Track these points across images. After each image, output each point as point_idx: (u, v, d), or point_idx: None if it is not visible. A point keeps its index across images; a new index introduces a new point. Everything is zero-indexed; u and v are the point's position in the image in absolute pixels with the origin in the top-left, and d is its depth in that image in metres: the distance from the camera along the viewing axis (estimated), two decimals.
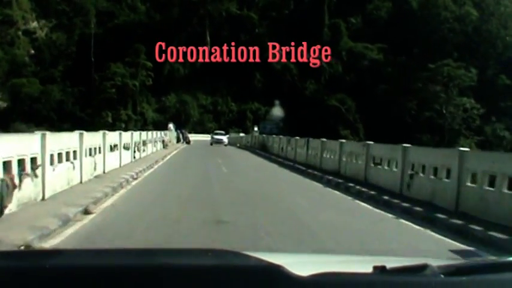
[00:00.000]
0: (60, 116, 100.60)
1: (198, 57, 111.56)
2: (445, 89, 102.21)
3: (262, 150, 51.34)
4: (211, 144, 64.39)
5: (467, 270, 1.77)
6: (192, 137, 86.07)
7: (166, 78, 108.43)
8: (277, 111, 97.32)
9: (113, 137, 24.99)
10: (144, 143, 35.05)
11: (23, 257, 2.08)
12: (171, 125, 63.42)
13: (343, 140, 30.82)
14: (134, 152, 30.13)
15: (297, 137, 39.24)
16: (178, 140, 64.96)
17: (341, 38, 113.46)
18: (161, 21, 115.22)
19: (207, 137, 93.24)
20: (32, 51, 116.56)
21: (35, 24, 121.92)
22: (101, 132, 22.90)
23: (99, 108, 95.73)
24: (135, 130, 42.83)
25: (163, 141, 46.65)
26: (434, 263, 1.80)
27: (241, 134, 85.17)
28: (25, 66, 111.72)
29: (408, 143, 20.10)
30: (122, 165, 25.64)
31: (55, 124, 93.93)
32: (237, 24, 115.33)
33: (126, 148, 27.75)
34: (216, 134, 72.47)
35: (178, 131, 68.68)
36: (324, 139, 31.48)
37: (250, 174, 28.72)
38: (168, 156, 38.89)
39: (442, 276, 1.66)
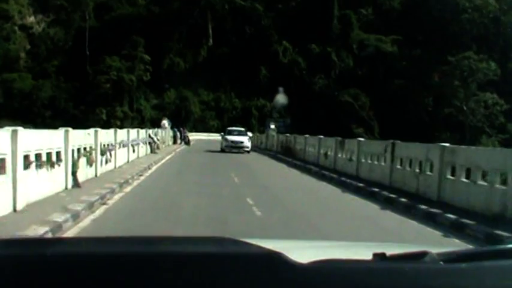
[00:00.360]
0: (52, 113, 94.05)
1: (199, 51, 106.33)
2: (462, 83, 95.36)
3: (286, 155, 39.39)
4: (223, 150, 45.26)
5: (467, 257, 1.77)
6: (193, 136, 79.70)
7: (165, 73, 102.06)
8: (281, 99, 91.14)
9: (35, 139, 14.09)
10: (109, 149, 22.13)
11: (24, 244, 1.93)
12: (165, 122, 51.11)
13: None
14: (73, 170, 16.19)
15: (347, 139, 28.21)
16: (175, 141, 55.47)
17: (352, 30, 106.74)
18: (161, 13, 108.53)
19: (210, 137, 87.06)
20: (28, 47, 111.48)
21: (32, 19, 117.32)
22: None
23: (93, 105, 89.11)
24: (131, 128, 34.40)
25: (150, 144, 34.42)
26: (434, 250, 1.79)
27: (249, 133, 77.72)
28: (18, 61, 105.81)
29: (428, 142, 19.10)
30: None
31: (47, 121, 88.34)
32: (241, 16, 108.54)
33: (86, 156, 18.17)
34: (233, 132, 49.38)
35: (176, 130, 57.99)
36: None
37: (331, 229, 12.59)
38: (150, 171, 25.14)
39: (442, 263, 1.67)
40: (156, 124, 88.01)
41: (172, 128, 56.79)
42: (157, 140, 37.22)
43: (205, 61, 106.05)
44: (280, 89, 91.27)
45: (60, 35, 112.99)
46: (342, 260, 1.67)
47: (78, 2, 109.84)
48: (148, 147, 34.13)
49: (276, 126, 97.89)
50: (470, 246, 9.03)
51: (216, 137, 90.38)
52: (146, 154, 32.68)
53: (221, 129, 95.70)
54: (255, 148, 49.99)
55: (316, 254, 1.87)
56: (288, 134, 46.56)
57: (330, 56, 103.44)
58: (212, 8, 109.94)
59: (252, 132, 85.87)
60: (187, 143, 56.40)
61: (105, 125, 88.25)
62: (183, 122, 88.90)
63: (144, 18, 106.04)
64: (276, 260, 1.50)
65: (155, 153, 34.27)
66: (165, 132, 47.75)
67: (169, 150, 40.78)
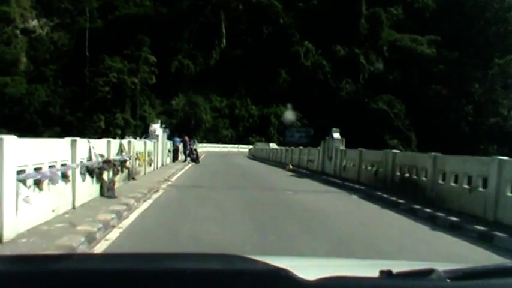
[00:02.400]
0: (46, 120, 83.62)
1: (211, 53, 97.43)
2: (506, 90, 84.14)
3: (398, 194, 17.61)
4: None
5: (473, 274, 1.77)
6: (203, 148, 69.27)
7: (173, 77, 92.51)
8: (289, 115, 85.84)
9: None
10: None
11: (32, 261, 1.96)
12: (156, 126, 29.65)
13: None
14: None
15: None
16: (175, 157, 36.71)
17: (382, 30, 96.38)
18: (169, 13, 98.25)
19: (223, 148, 79.06)
20: (30, 51, 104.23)
21: (34, 22, 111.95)
22: None
23: (91, 111, 78.40)
24: (134, 137, 24.24)
25: (100, 177, 13.35)
26: (440, 267, 1.79)
27: (272, 145, 66.78)
28: (16, 65, 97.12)
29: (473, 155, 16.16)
30: None
31: (39, 130, 78.25)
32: (258, 15, 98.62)
33: None
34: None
35: (177, 140, 38.46)
36: None
37: None
38: None
39: (449, 280, 1.68)
40: (174, 135, 78.27)
41: (171, 137, 37.32)
42: (128, 159, 17.10)
43: (217, 64, 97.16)
44: (289, 105, 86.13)
45: (64, 40, 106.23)
46: (348, 277, 1.67)
47: (82, 3, 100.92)
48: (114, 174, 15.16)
49: (297, 136, 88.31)
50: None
51: (231, 148, 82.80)
52: (90, 199, 12.77)
53: (236, 140, 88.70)
54: (302, 171, 33.03)
55: (322, 271, 1.85)
56: (388, 150, 21.68)
57: (357, 58, 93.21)
58: (226, 6, 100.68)
59: (269, 141, 76.20)
60: (195, 159, 38.22)
61: (104, 134, 78.48)
62: (192, 132, 78.31)
63: (151, 18, 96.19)
64: (283, 277, 1.51)
65: (110, 196, 13.45)
66: (155, 144, 26.77)
67: (155, 181, 19.33)
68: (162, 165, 30.18)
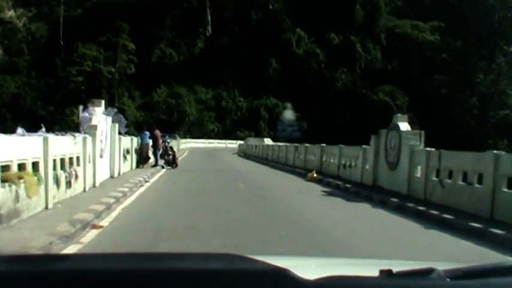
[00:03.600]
0: (16, 114, 76.17)
1: (195, 41, 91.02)
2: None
3: None
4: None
5: (473, 274, 1.77)
6: (186, 144, 62.75)
7: (155, 67, 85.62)
8: (289, 115, 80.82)
9: None
10: None
11: (31, 261, 1.98)
12: (93, 113, 16.81)
13: None
14: None
15: None
16: (140, 162, 27.32)
17: (379, 16, 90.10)
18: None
19: (209, 144, 73.45)
20: (4, 41, 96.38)
21: (11, 13, 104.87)
22: None
23: (63, 104, 70.91)
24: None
25: None
26: (440, 266, 1.79)
27: (267, 141, 59.94)
28: None
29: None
30: None
31: (7, 123, 70.96)
32: (245, 0, 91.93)
33: None
34: None
35: (145, 136, 28.05)
36: None
37: None
38: None
39: (449, 280, 1.68)
40: (141, 127, 71.24)
41: (140, 135, 28.42)
42: None
43: (202, 53, 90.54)
44: (288, 104, 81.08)
45: (42, 31, 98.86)
46: (348, 277, 1.69)
47: None
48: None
49: (289, 131, 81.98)
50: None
51: (218, 144, 75.96)
52: None
53: (222, 134, 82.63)
54: (335, 182, 21.51)
55: (322, 270, 1.86)
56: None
57: (353, 46, 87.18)
58: None
59: (260, 136, 69.50)
60: (172, 162, 29.19)
61: (78, 130, 71.55)
62: (173, 126, 71.61)
63: (131, 4, 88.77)
64: (283, 276, 1.51)
65: None
66: (84, 142, 14.94)
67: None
68: (116, 175, 19.78)
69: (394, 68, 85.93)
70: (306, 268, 2.26)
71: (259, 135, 74.64)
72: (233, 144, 73.69)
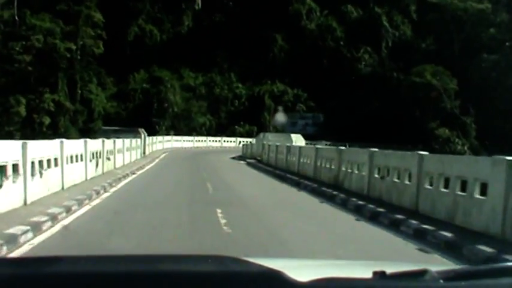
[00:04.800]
0: None
1: (182, 18, 76.41)
2: None
3: None
4: None
5: (466, 275, 1.80)
6: (164, 144, 50.95)
7: (132, 47, 69.70)
8: (280, 117, 68.03)
9: None
10: None
11: (24, 264, 2.05)
12: None
13: None
14: None
15: None
16: None
17: None
18: None
19: (198, 142, 60.95)
20: None
21: None
22: None
23: (5, 92, 54.03)
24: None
25: None
26: (433, 268, 1.80)
27: (296, 139, 40.84)
28: None
29: None
30: None
31: None
32: None
33: None
34: None
35: None
36: None
37: None
38: None
39: (442, 281, 1.69)
40: (113, 122, 54.82)
41: None
42: None
43: (191, 32, 75.16)
44: (280, 107, 69.71)
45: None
46: (341, 279, 1.69)
47: None
48: None
49: (301, 125, 66.12)
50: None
51: (211, 142, 62.55)
52: None
53: (216, 130, 67.85)
54: None
55: (316, 272, 1.84)
56: None
57: (378, 20, 72.38)
58: None
59: (263, 131, 54.17)
60: None
61: (26, 125, 54.99)
62: (153, 118, 55.79)
63: None
64: (276, 278, 1.52)
65: None
66: None
67: None
68: None
69: (429, 46, 70.19)
70: (299, 270, 2.23)
71: (263, 129, 59.49)
72: (231, 142, 62.90)
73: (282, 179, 22.89)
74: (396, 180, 14.05)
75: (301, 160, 23.97)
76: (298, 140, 38.66)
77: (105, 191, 16.00)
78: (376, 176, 15.34)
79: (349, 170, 17.59)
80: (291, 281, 1.50)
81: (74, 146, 17.17)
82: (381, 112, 60.17)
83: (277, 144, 30.51)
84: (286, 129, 62.60)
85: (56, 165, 14.34)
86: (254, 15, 71.07)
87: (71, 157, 16.09)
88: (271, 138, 37.76)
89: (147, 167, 27.69)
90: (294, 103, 70.61)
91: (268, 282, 1.52)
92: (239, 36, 70.21)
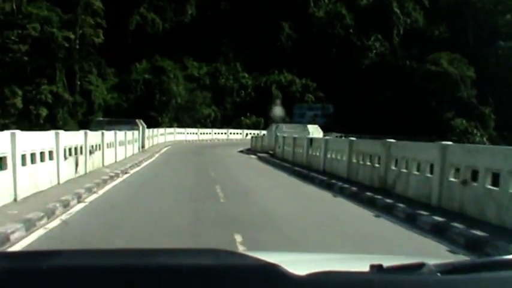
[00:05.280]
0: None
1: (185, 7, 73.67)
2: None
3: None
4: None
5: (464, 268, 1.78)
6: (166, 136, 48.82)
7: (133, 37, 67.13)
8: (278, 111, 65.33)
9: None
10: None
11: (22, 258, 2.02)
12: None
13: None
14: None
15: None
16: None
17: None
18: None
19: (203, 134, 58.19)
20: None
21: None
22: None
23: (2, 82, 51.64)
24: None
25: None
26: (431, 261, 1.79)
27: (314, 130, 37.22)
28: None
29: None
30: None
31: None
32: None
33: None
34: None
35: None
36: None
37: None
38: None
39: (439, 274, 1.69)
40: (114, 114, 52.51)
41: None
42: None
43: (194, 21, 72.26)
44: (278, 101, 67.84)
45: None
46: (339, 272, 1.69)
47: None
48: None
49: (310, 116, 63.40)
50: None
51: (217, 135, 59.64)
52: None
53: (221, 121, 65.34)
54: None
55: (313, 266, 1.84)
56: None
57: (388, 7, 69.54)
58: None
59: (269, 124, 51.41)
60: None
61: (22, 117, 52.67)
62: (156, 110, 53.66)
63: None
64: (273, 272, 1.53)
65: None
66: None
67: None
68: None
69: (442, 34, 67.40)
70: (297, 263, 2.25)
71: (270, 121, 56.53)
72: (237, 134, 60.37)
73: (305, 178, 19.33)
74: (492, 187, 9.95)
75: (329, 155, 20.57)
76: (315, 131, 35.28)
77: (80, 201, 12.12)
78: (453, 179, 11.31)
79: (404, 170, 13.70)
80: (287, 274, 1.50)
81: (37, 139, 13.17)
82: (393, 102, 57.62)
83: (295, 136, 27.30)
84: (295, 119, 60.52)
85: (2, 167, 10.71)
86: (260, 3, 68.77)
87: (33, 155, 12.27)
88: (286, 130, 34.25)
89: (144, 164, 24.29)
90: (302, 93, 67.84)
91: (265, 276, 1.51)
92: (245, 24, 67.74)
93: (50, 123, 52.30)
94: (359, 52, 67.90)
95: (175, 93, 62.65)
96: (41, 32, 53.72)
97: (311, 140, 23.91)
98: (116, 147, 23.16)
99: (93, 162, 18.44)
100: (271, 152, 32.22)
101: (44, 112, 52.86)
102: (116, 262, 1.67)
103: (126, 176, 18.60)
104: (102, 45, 60.60)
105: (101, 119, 43.99)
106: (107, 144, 21.16)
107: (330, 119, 61.19)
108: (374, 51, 69.26)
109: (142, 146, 33.31)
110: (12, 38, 52.27)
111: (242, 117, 65.79)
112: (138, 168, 21.83)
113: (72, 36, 56.33)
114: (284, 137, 29.26)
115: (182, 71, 66.99)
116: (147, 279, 1.44)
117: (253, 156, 32.49)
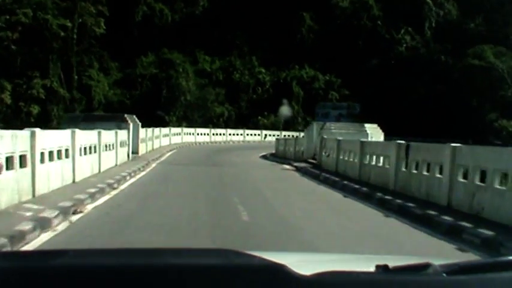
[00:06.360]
0: None
1: None
2: None
3: None
4: None
5: (470, 269, 1.80)
6: (175, 138, 44.20)
7: (140, 29, 62.91)
8: (285, 111, 63.02)
9: None
10: None
11: (28, 257, 2.10)
12: None
13: None
14: None
15: None
16: None
17: None
18: None
19: (217, 136, 54.03)
20: None
21: None
22: None
23: None
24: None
25: None
26: (436, 261, 1.81)
27: (372, 130, 27.77)
28: None
29: None
30: None
31: None
32: None
33: None
34: None
35: None
36: None
37: None
38: None
39: (445, 275, 1.70)
40: (116, 111, 47.41)
41: None
42: None
43: (206, 13, 68.18)
44: (285, 101, 63.77)
45: None
46: (344, 272, 1.72)
47: None
48: None
49: (335, 116, 57.48)
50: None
51: (231, 136, 55.21)
52: None
53: (235, 121, 60.12)
54: None
55: (319, 266, 1.86)
56: None
57: None
58: None
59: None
60: None
61: (13, 116, 47.71)
62: (163, 108, 48.66)
63: None
64: (280, 272, 1.54)
65: None
66: None
67: None
68: None
69: (478, 26, 62.46)
70: (303, 264, 2.25)
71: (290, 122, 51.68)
72: (254, 136, 57.22)
73: (420, 220, 10.75)
74: None
75: (413, 169, 14.00)
76: (374, 133, 26.87)
77: None
78: None
79: None
80: (293, 274, 1.52)
81: None
82: (426, 101, 52.13)
83: (365, 140, 20.26)
84: (318, 119, 55.33)
85: None
86: None
87: None
88: (335, 131, 26.05)
89: (127, 183, 16.34)
90: (325, 91, 63.36)
91: (271, 276, 1.53)
92: (261, 15, 63.69)
93: (43, 121, 47.10)
94: (388, 46, 63.61)
95: (185, 89, 58.25)
96: (33, 19, 48.44)
97: (407, 146, 15.12)
98: (83, 157, 15.46)
99: (23, 188, 10.70)
100: (311, 160, 25.42)
101: (35, 109, 47.85)
102: (122, 261, 1.68)
103: (79, 216, 10.14)
104: (106, 38, 56.47)
105: (77, 113, 38.05)
106: (59, 151, 13.26)
107: (356, 119, 56.06)
108: (404, 44, 64.99)
109: (136, 152, 26.15)
110: (1, 24, 46.97)
111: (259, 117, 61.95)
112: (111, 195, 13.57)
113: (69, 25, 51.28)
114: (339, 141, 21.63)
115: (192, 65, 62.78)
116: (154, 279, 1.46)
117: (287, 166, 25.20)
